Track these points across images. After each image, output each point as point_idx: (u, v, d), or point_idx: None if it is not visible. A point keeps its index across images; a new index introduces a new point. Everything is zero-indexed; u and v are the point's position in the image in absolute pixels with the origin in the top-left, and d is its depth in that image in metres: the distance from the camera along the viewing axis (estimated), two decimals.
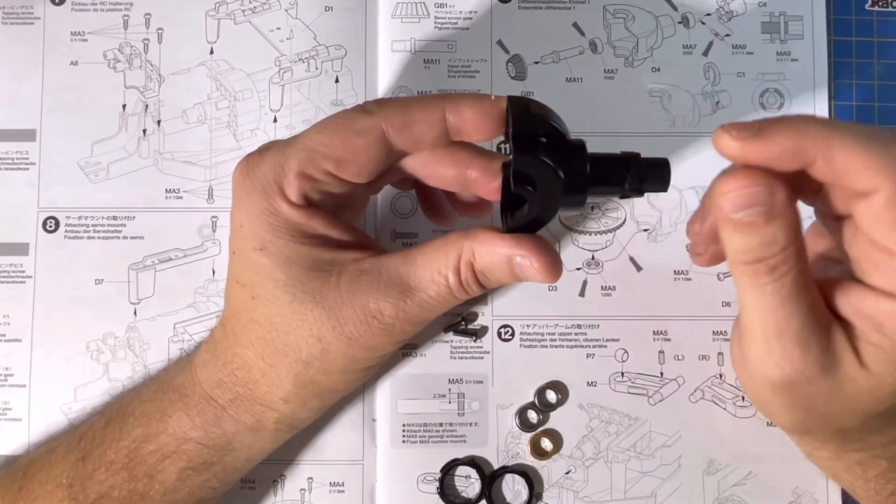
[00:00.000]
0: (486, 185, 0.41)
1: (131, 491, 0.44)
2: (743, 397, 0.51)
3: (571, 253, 0.53)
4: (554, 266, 0.39)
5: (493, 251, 0.39)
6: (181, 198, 0.53)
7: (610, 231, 0.53)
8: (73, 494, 0.44)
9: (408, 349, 0.52)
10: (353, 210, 0.46)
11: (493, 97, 0.39)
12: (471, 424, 0.52)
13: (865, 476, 0.44)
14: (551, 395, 0.52)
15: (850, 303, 0.37)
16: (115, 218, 0.53)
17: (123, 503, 0.44)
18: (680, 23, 0.54)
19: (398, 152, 0.41)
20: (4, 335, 0.52)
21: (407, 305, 0.40)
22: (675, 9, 0.55)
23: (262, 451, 0.47)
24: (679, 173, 0.49)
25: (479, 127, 0.39)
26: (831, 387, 0.37)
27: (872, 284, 0.36)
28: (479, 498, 0.51)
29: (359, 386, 0.51)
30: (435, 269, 0.40)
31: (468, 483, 0.52)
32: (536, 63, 0.54)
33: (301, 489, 0.51)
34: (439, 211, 0.48)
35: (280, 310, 0.40)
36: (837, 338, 0.37)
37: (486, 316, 0.52)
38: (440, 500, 0.51)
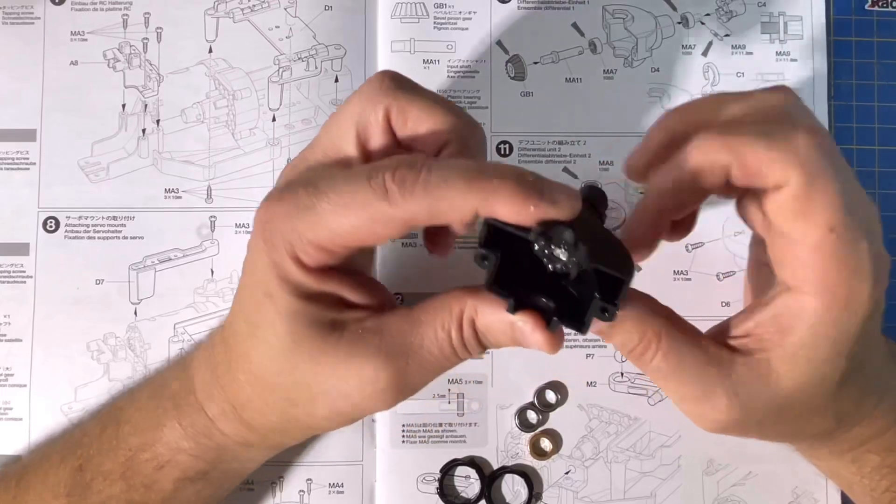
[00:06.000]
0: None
1: (129, 500, 0.44)
2: None
3: None
4: (559, 339, 0.37)
5: (496, 312, 0.37)
6: (180, 197, 0.53)
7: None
8: (71, 503, 0.44)
9: None
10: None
11: (533, 204, 0.34)
12: (470, 424, 0.52)
13: (861, 472, 0.45)
14: (551, 396, 0.52)
15: (750, 322, 0.38)
16: (115, 218, 0.53)
17: None
18: (679, 23, 0.54)
19: None
20: (5, 335, 0.52)
21: (408, 367, 0.38)
22: (675, 9, 0.54)
23: (254, 461, 0.47)
24: None
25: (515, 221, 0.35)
26: (767, 408, 0.38)
27: (782, 280, 0.37)
28: (478, 498, 0.51)
29: None
30: (438, 325, 0.38)
31: (468, 483, 0.52)
32: (536, 63, 0.54)
33: (300, 490, 0.51)
34: (440, 239, 0.44)
35: (274, 355, 0.39)
36: (740, 369, 0.37)
37: None
38: (440, 500, 0.51)
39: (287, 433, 0.43)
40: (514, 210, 0.33)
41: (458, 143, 0.39)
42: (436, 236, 0.43)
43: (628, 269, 0.34)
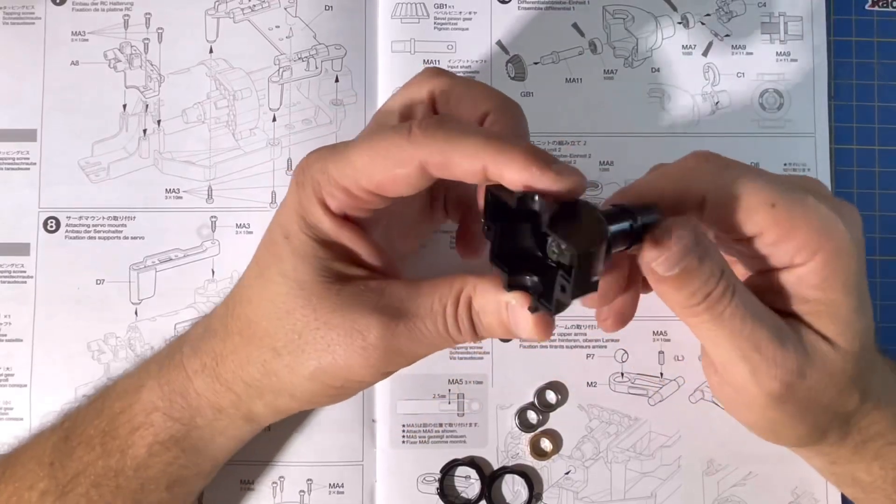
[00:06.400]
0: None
1: (105, 467, 0.44)
2: None
3: None
4: (547, 323, 0.38)
5: (492, 292, 0.38)
6: (181, 198, 0.53)
7: None
8: (53, 472, 0.44)
9: None
10: (401, 226, 0.45)
11: (539, 169, 0.35)
12: (470, 425, 0.52)
13: (884, 470, 0.44)
14: (551, 396, 0.52)
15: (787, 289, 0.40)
16: (115, 218, 0.53)
17: (99, 480, 0.44)
18: (679, 23, 0.54)
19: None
20: (6, 335, 0.52)
21: (398, 329, 0.39)
22: (675, 9, 0.55)
23: (228, 437, 0.46)
24: None
25: (519, 185, 0.36)
26: (820, 371, 0.39)
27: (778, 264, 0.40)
28: (478, 498, 0.51)
29: (322, 408, 0.51)
30: (437, 297, 0.39)
31: (468, 483, 0.52)
32: (536, 64, 0.54)
33: (300, 491, 0.51)
34: (470, 242, 0.46)
35: (274, 296, 0.40)
36: (795, 324, 0.39)
37: None
38: (440, 500, 0.51)
39: (262, 395, 0.43)
40: (518, 173, 0.35)
41: (498, 116, 0.41)
42: (466, 239, 0.46)
43: (584, 245, 0.33)
